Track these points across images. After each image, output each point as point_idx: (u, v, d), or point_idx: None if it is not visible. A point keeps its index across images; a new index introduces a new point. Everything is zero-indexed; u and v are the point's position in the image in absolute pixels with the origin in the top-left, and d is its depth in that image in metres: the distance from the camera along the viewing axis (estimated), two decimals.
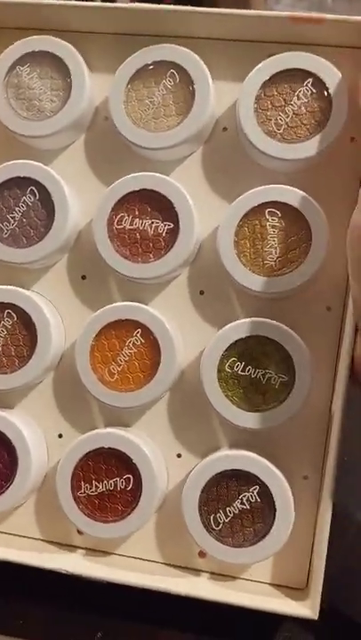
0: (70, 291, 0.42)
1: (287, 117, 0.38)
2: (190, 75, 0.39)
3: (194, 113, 0.39)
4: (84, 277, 0.42)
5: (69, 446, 0.40)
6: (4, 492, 0.40)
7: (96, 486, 0.40)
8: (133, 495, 0.39)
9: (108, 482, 0.39)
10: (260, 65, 0.38)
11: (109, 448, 0.39)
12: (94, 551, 0.42)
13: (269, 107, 0.39)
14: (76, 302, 0.42)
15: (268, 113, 0.39)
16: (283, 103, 0.39)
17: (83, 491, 0.40)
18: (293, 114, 0.38)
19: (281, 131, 0.38)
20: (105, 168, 0.42)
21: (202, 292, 0.41)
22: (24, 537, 0.43)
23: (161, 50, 0.39)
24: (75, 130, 0.42)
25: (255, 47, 0.41)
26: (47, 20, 0.41)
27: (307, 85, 0.38)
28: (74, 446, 0.40)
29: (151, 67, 0.40)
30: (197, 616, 0.40)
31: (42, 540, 0.43)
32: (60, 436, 0.42)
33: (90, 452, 0.40)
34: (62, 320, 0.42)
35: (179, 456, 0.41)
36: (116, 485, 0.39)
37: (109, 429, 0.40)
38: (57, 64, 0.41)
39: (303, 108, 0.38)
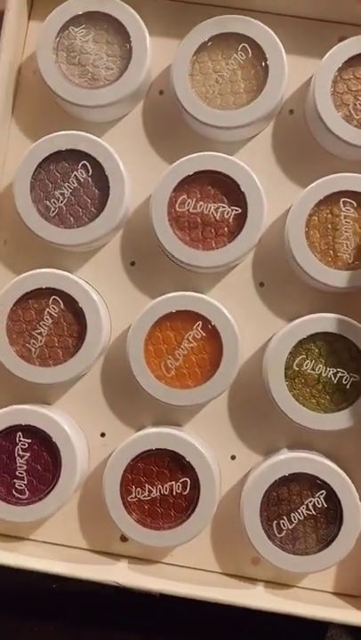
0: (118, 278, 0.39)
1: None
2: (264, 50, 0.36)
3: (267, 92, 0.36)
4: (132, 264, 0.39)
5: (119, 447, 0.37)
6: (44, 497, 0.36)
7: (149, 490, 0.37)
8: (189, 501, 0.36)
9: (162, 486, 0.36)
10: (338, 45, 0.36)
11: (163, 449, 0.36)
12: (140, 560, 0.39)
13: (346, 90, 0.36)
14: (123, 291, 0.39)
15: (345, 97, 0.36)
16: (360, 87, 0.36)
17: (134, 495, 0.37)
18: None
19: (358, 116, 0.36)
20: (159, 146, 0.39)
21: (262, 284, 0.39)
22: (60, 545, 0.39)
23: (234, 21, 0.36)
24: (128, 102, 0.38)
25: (325, 27, 0.38)
26: None
27: None
28: (123, 447, 0.37)
29: (221, 38, 0.37)
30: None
31: (80, 549, 0.39)
32: (103, 435, 0.39)
33: (141, 453, 0.37)
34: (108, 310, 0.39)
35: (233, 458, 0.39)
36: (171, 490, 0.36)
37: (162, 429, 0.37)
38: (115, 27, 0.37)
39: None
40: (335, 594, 0.38)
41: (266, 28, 0.36)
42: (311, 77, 0.38)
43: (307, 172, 0.38)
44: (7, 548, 0.38)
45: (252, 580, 0.38)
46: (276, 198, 0.38)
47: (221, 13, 0.37)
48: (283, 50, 0.36)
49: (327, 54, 0.36)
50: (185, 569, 0.39)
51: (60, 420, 0.37)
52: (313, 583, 0.38)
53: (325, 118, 0.36)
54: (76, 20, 0.37)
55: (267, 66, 0.36)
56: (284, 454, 0.37)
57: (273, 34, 0.36)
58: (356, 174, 0.36)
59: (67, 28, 0.37)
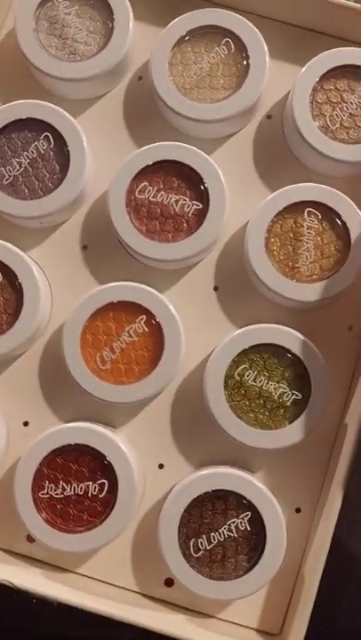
0: (67, 260, 0.37)
1: (343, 115, 0.35)
2: (247, 47, 0.35)
3: (245, 89, 0.35)
4: (85, 247, 0.37)
5: (36, 438, 0.34)
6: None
7: (63, 488, 0.34)
8: (105, 505, 0.34)
9: (77, 485, 0.34)
10: (322, 54, 0.35)
11: (84, 445, 0.34)
12: (47, 565, 0.36)
13: (325, 100, 0.36)
14: (70, 274, 0.37)
15: (324, 107, 0.35)
16: (340, 100, 0.36)
17: (45, 491, 0.34)
18: (349, 113, 0.35)
19: (334, 128, 0.35)
20: (131, 132, 0.37)
21: (216, 288, 0.37)
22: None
23: (219, 14, 0.35)
24: (104, 82, 0.37)
25: (314, 37, 0.38)
26: None
27: None
28: (42, 438, 0.34)
29: (205, 31, 0.36)
30: None
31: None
32: (26, 424, 0.36)
33: (61, 447, 0.34)
34: (51, 292, 0.37)
35: (161, 467, 0.36)
36: (87, 490, 0.34)
37: (86, 424, 0.35)
38: (101, 4, 0.36)
39: (360, 109, 0.35)
40: (255, 630, 0.35)
41: (252, 26, 0.35)
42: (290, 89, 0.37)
43: (277, 179, 0.37)
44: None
45: (166, 603, 0.35)
46: (242, 202, 0.36)
47: (212, 7, 0.36)
48: (266, 50, 0.35)
49: (310, 61, 0.35)
50: (93, 580, 0.36)
51: None
52: (232, 616, 0.36)
53: (301, 126, 0.35)
54: None
55: (248, 64, 0.35)
56: (213, 469, 0.34)
57: (258, 33, 0.35)
58: (325, 186, 0.35)
59: None
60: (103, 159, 0.37)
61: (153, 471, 0.36)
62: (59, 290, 0.37)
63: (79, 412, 0.36)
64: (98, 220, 0.37)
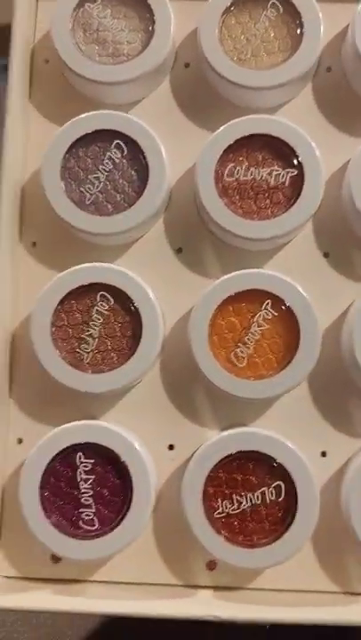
0: (164, 267, 0.35)
1: None
2: (295, 4, 0.34)
3: (304, 48, 0.33)
4: (179, 250, 0.35)
5: (194, 457, 0.32)
6: (116, 526, 0.31)
7: (238, 501, 0.31)
8: (285, 509, 0.31)
9: (253, 495, 0.31)
10: None
11: (247, 452, 0.31)
12: (227, 589, 0.33)
13: None
14: (172, 281, 0.35)
15: None
16: None
17: (221, 510, 0.31)
18: None
19: None
20: (193, 121, 0.35)
21: (326, 255, 0.35)
22: (134, 584, 0.33)
23: None
24: (154, 77, 0.35)
25: None
26: None
27: None
28: (200, 456, 0.32)
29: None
30: None
31: (155, 585, 0.33)
32: (172, 447, 0.34)
33: (222, 459, 0.32)
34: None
35: (324, 454, 0.34)
36: (263, 498, 0.31)
37: (249, 429, 0.32)
38: (130, 0, 0.34)
39: None
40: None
41: None
42: (346, 32, 0.35)
43: (353, 131, 0.35)
44: (69, 593, 0.32)
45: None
46: (328, 159, 0.35)
47: None
48: (316, 3, 0.34)
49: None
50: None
51: (126, 434, 0.32)
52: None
53: None
54: None
55: (301, 22, 0.34)
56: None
57: None
58: None
59: (82, 6, 0.34)
60: (174, 155, 0.35)
61: (315, 459, 0.34)
62: (162, 299, 0.35)
63: (217, 420, 0.34)
64: (187, 218, 0.35)
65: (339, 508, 0.33)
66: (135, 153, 0.33)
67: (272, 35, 0.34)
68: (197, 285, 0.34)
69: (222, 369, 0.32)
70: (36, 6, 0.36)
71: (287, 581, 0.33)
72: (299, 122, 0.35)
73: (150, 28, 0.34)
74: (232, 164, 0.33)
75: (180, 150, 0.35)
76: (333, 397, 0.34)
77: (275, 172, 0.33)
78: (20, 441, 0.34)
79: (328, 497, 0.33)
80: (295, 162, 0.33)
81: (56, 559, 0.33)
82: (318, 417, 0.34)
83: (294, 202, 0.33)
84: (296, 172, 0.33)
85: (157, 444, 0.34)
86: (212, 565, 0.33)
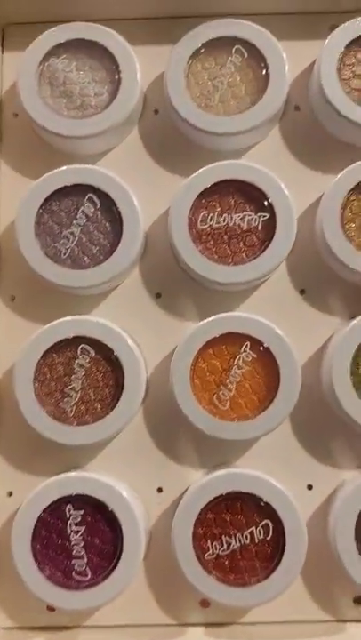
0: (144, 313, 0.35)
1: None
2: (259, 48, 0.34)
3: (271, 90, 0.34)
4: (158, 295, 0.36)
5: (184, 499, 0.32)
6: (109, 574, 0.31)
7: (227, 542, 0.32)
8: (273, 547, 0.32)
9: (241, 534, 0.32)
10: (336, 31, 0.34)
11: (235, 493, 0.32)
12: (220, 625, 0.34)
13: (351, 75, 0.35)
14: (152, 326, 0.35)
15: (353, 82, 0.34)
16: None
17: (211, 552, 0.32)
18: None
19: None
20: (163, 168, 0.36)
21: (303, 292, 0.36)
22: (129, 626, 0.34)
23: (225, 25, 0.34)
24: (124, 127, 0.36)
25: (314, 19, 0.37)
26: (74, 8, 0.35)
27: None
28: (188, 499, 0.32)
29: (212, 45, 0.34)
30: None
31: (150, 626, 0.34)
32: (160, 490, 0.35)
33: (210, 501, 0.32)
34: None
35: (310, 488, 0.34)
36: (252, 537, 0.32)
37: (235, 470, 0.33)
38: (97, 52, 0.35)
39: None
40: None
41: (258, 26, 0.34)
42: (311, 70, 0.36)
43: (323, 168, 0.36)
44: (66, 639, 0.33)
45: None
46: (299, 198, 0.35)
47: (206, 20, 0.35)
48: (278, 45, 0.34)
49: (326, 42, 0.34)
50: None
51: (113, 482, 0.32)
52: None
53: (339, 106, 0.34)
54: (55, 51, 0.35)
55: (266, 65, 0.34)
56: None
57: (266, 31, 0.34)
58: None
59: (47, 60, 0.34)
60: (145, 203, 0.35)
61: (302, 493, 0.34)
62: (143, 346, 0.35)
63: (202, 461, 0.35)
64: (163, 264, 0.35)
65: (326, 538, 0.33)
66: (108, 205, 0.33)
67: (238, 79, 0.35)
68: (177, 329, 0.35)
69: (206, 412, 0.33)
70: (1, 59, 0.37)
71: (278, 613, 0.34)
72: (270, 162, 0.35)
73: (116, 77, 0.34)
74: (205, 211, 0.34)
75: (153, 196, 0.35)
76: (316, 431, 0.34)
77: (247, 217, 0.33)
78: (9, 494, 0.34)
79: (316, 528, 0.34)
80: (266, 204, 0.33)
81: (51, 608, 0.33)
82: (302, 451, 0.34)
83: (268, 244, 0.33)
84: (268, 216, 0.33)
85: (146, 487, 0.34)
86: (205, 603, 0.34)
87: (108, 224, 0.34)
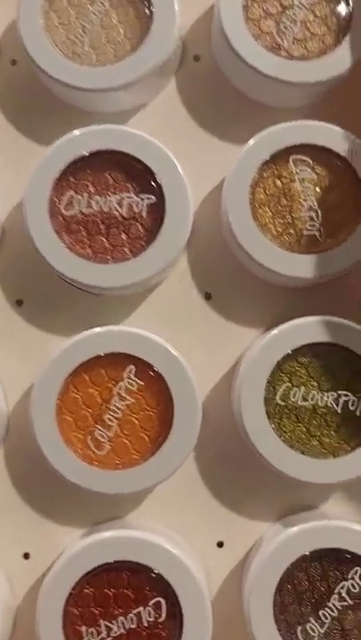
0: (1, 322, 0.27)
1: (293, 26, 0.27)
2: None
3: (154, 33, 0.26)
4: (19, 303, 0.28)
5: (53, 569, 0.25)
6: None
7: (108, 628, 0.25)
8: (171, 630, 0.25)
9: (125, 617, 0.25)
10: None
11: (118, 562, 0.25)
12: None
13: (262, 14, 0.27)
14: (10, 340, 0.27)
15: (263, 23, 0.27)
16: (280, 9, 0.27)
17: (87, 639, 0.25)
18: (300, 22, 0.27)
19: (287, 44, 0.27)
20: (26, 135, 0.28)
21: (208, 296, 0.28)
22: None
23: None
24: None
25: None
26: None
27: None
28: (59, 569, 0.25)
29: None
30: None
31: None
32: (27, 556, 0.27)
33: (87, 573, 0.25)
34: None
35: (220, 545, 0.27)
36: (139, 619, 0.25)
37: (120, 532, 0.25)
38: None
39: (311, 11, 0.27)
40: None
41: None
42: (213, 9, 0.28)
43: (230, 136, 0.28)
44: None
45: None
46: (202, 175, 0.27)
47: None
48: None
49: None
50: None
51: None
52: None
53: (244, 54, 0.26)
54: None
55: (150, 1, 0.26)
56: (294, 527, 0.26)
57: None
58: (305, 122, 0.26)
59: None
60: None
61: (211, 551, 0.27)
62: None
63: (94, 516, 0.27)
64: (24, 261, 0.27)
65: (240, 602, 0.26)
66: None
67: (115, 18, 0.26)
68: (41, 345, 0.27)
69: (78, 459, 0.25)
70: None
71: None
72: (160, 129, 0.27)
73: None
74: (71, 192, 0.25)
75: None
76: (225, 475, 0.27)
77: (127, 200, 0.25)
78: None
79: (228, 590, 0.27)
80: (153, 183, 0.25)
81: None
82: (211, 501, 0.27)
83: (157, 234, 0.26)
84: (154, 198, 0.25)
85: (11, 552, 0.27)
86: None
87: None
